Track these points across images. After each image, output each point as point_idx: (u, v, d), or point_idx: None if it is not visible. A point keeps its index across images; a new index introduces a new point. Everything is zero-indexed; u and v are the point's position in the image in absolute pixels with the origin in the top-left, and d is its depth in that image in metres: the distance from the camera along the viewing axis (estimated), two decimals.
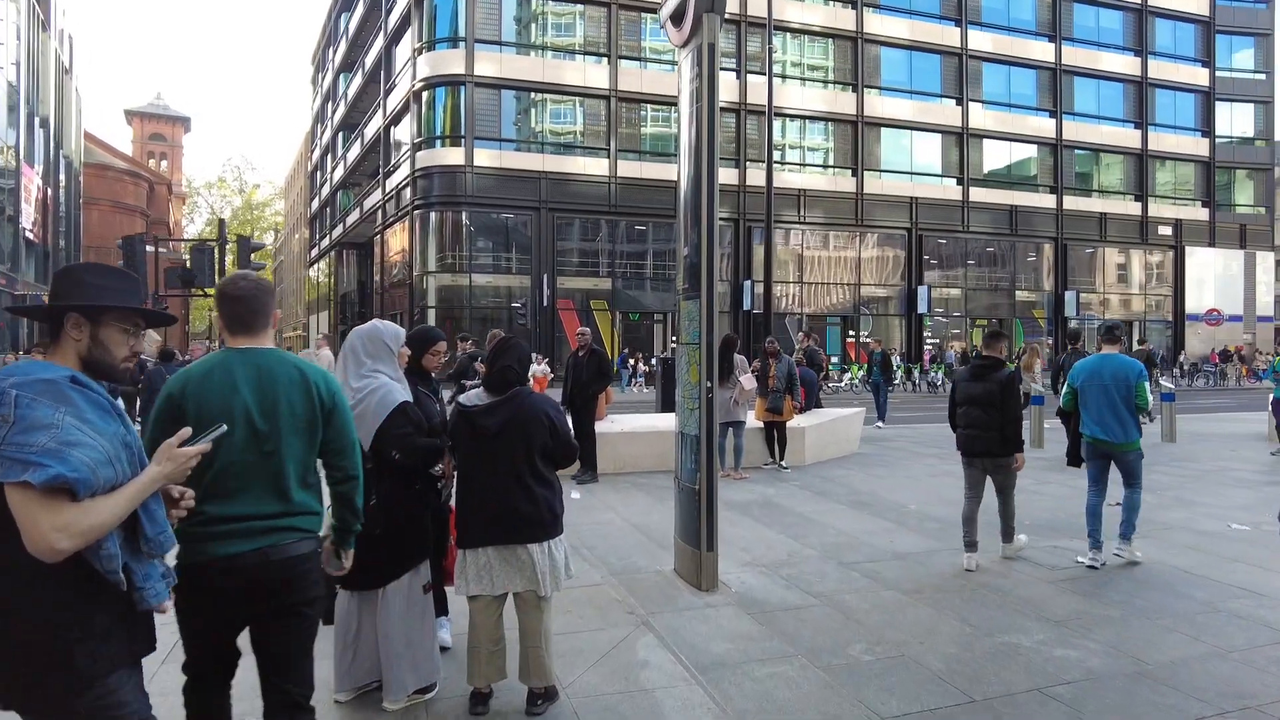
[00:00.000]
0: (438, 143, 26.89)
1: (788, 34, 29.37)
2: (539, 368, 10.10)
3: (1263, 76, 37.84)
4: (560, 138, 27.77)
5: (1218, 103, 36.73)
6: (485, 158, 26.24)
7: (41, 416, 1.48)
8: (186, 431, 1.74)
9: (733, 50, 28.27)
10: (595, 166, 27.28)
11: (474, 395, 3.15)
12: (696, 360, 4.65)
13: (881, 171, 30.78)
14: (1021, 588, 4.55)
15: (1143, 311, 36.33)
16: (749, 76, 28.25)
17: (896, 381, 24.25)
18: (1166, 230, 35.92)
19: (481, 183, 25.98)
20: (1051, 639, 3.73)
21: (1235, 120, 37.53)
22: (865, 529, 6.03)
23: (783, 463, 8.97)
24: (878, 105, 30.61)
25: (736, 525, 6.06)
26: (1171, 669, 3.43)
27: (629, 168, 27.41)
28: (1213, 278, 37.12)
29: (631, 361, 25.51)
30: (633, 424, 9.47)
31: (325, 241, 47.30)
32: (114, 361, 1.74)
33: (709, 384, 4.52)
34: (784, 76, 29.29)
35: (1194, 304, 36.05)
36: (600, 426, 8.66)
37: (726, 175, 27.75)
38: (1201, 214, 36.75)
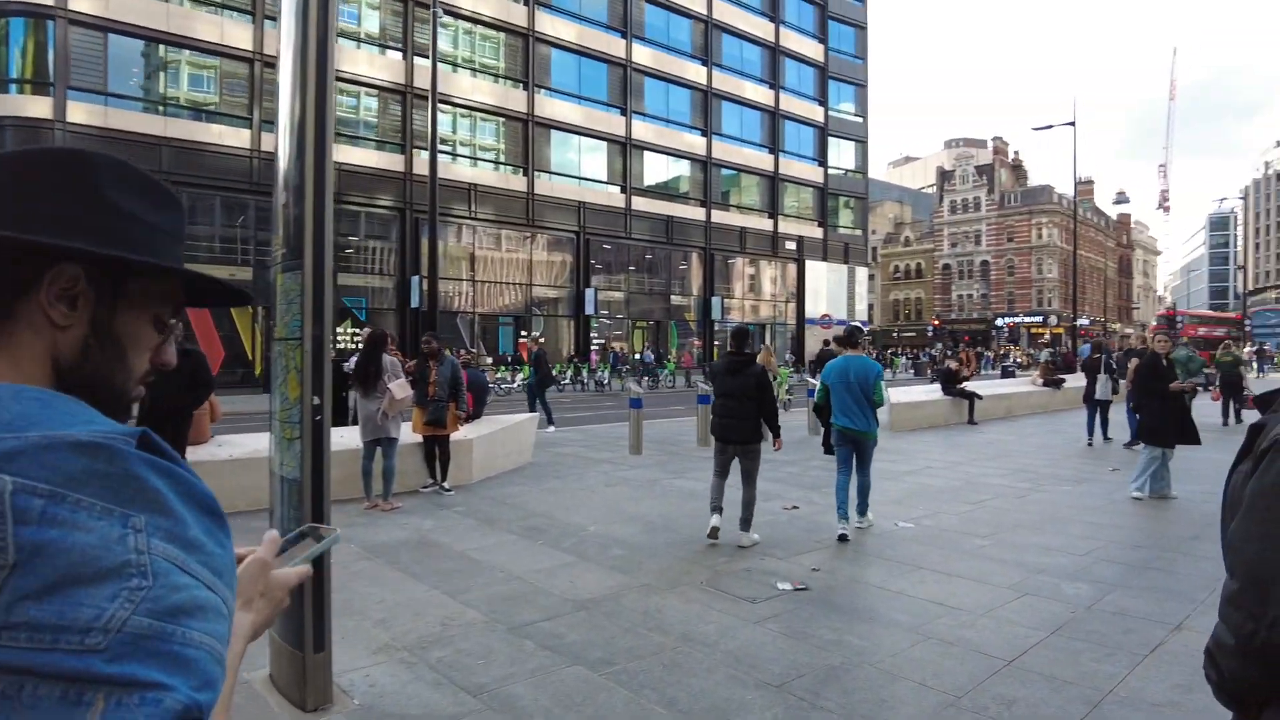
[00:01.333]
0: (13, 88, 23.87)
1: (460, 22, 31.57)
2: None
3: (860, 120, 50.01)
4: (190, 100, 26.47)
5: (830, 138, 47.70)
6: (83, 114, 23.99)
7: (96, 542, 0.59)
8: (274, 537, 0.96)
9: (400, 33, 29.60)
10: (234, 137, 26.57)
11: None
12: (296, 365, 3.56)
13: (551, 173, 34.54)
14: (728, 636, 4.42)
15: (772, 316, 45.77)
16: (415, 59, 29.80)
17: (566, 382, 28.13)
18: (791, 245, 45.63)
19: (77, 144, 23.71)
20: (781, 714, 3.54)
21: (842, 155, 49.06)
22: (541, 567, 5.80)
23: (445, 484, 8.63)
24: (548, 106, 34.28)
25: (378, 582, 5.45)
26: None
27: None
28: (825, 288, 47.98)
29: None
30: (252, 445, 8.14)
31: None
32: (123, 382, 0.83)
33: (317, 400, 3.56)
34: (455, 64, 31.43)
35: (811, 309, 46.33)
36: (201, 452, 7.75)
37: (391, 160, 29.08)
38: (817, 232, 47.32)
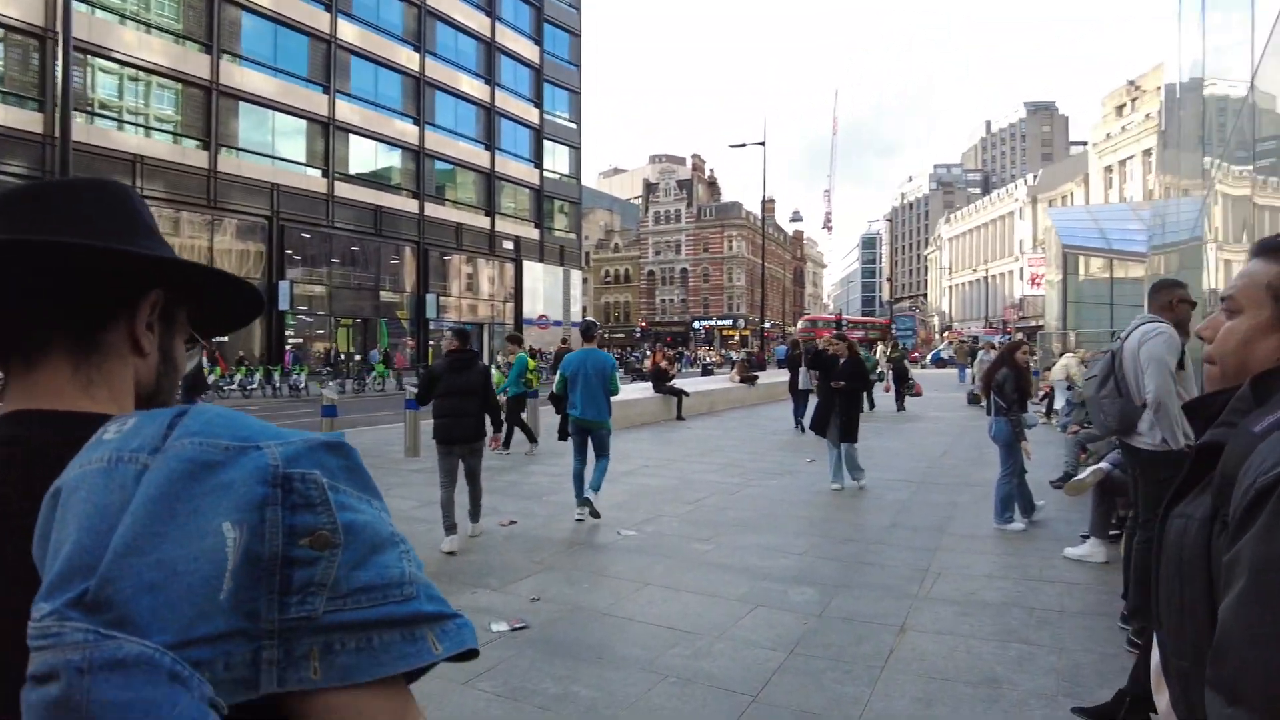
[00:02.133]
0: None
1: None
2: None
3: (574, 126, 50.71)
4: None
5: (545, 141, 47.73)
6: None
7: (372, 518, 0.71)
8: None
9: None
10: None
11: None
12: None
13: (239, 150, 30.42)
14: (431, 708, 3.49)
15: (490, 316, 44.73)
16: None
17: (254, 386, 24.78)
18: (509, 244, 44.95)
19: None
20: None
21: (557, 159, 49.35)
22: None
23: None
24: (237, 75, 30.14)
25: None
26: None
27: None
28: (542, 288, 47.93)
29: None
30: None
31: None
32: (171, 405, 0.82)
33: None
34: (122, 17, 26.43)
35: (529, 310, 46.00)
36: None
37: (25, 119, 23.64)
38: (534, 233, 47.11)
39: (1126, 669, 3.81)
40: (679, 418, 16.05)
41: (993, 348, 18.00)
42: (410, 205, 38.33)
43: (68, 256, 0.74)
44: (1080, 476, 5.72)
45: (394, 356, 34.94)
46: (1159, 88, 52.20)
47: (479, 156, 42.75)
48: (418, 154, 38.59)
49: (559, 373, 7.65)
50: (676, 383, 17.57)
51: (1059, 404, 15.06)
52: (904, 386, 18.84)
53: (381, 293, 37.85)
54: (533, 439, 11.53)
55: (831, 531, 6.81)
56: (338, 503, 0.67)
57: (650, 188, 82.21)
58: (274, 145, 31.93)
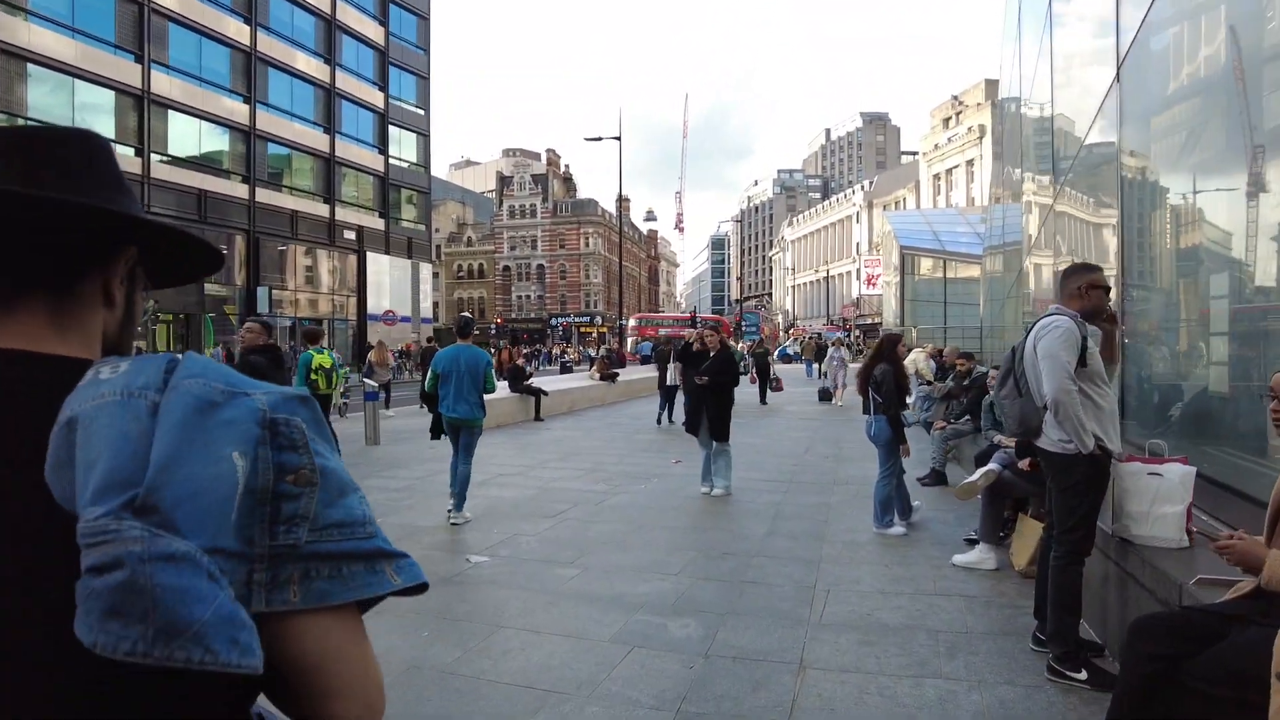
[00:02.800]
0: None
1: None
2: None
3: (423, 112, 48.31)
4: None
5: (390, 126, 45.12)
6: None
7: (338, 465, 0.79)
8: None
9: None
10: None
11: None
12: None
13: (28, 120, 26.53)
14: None
15: (330, 311, 41.75)
16: None
17: None
18: (351, 235, 42.12)
19: None
20: None
21: (404, 145, 46.81)
22: None
23: None
24: (23, 32, 26.23)
25: None
26: None
27: None
28: (389, 282, 45.31)
29: None
30: None
31: None
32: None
33: None
34: None
35: (374, 305, 43.33)
36: None
37: None
38: (379, 224, 44.45)
39: (1056, 704, 3.34)
40: (537, 418, 15.12)
41: (843, 344, 18.14)
42: (241, 190, 35.04)
43: (60, 212, 0.77)
44: (971, 479, 5.35)
45: (220, 355, 31.72)
46: (980, 104, 56.35)
47: (318, 140, 39.76)
48: (248, 135, 35.30)
49: (430, 369, 7.24)
50: (535, 381, 16.62)
51: (911, 399, 15.34)
52: (768, 381, 19.48)
53: (207, 286, 34.33)
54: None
55: (708, 544, 6.16)
56: (313, 448, 0.75)
57: (504, 181, 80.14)
58: (75, 118, 28.06)
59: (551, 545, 6.12)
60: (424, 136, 48.28)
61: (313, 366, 9.87)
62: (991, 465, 5.31)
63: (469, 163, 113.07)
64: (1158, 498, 3.57)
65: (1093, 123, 7.24)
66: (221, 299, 35.27)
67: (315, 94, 39.73)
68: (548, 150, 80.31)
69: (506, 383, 15.33)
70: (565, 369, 29.70)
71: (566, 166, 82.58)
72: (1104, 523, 3.85)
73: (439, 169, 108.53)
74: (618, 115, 61.11)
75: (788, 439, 12.75)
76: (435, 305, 77.45)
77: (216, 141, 34.46)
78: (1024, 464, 5.20)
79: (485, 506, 7.54)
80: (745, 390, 18.76)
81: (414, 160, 47.75)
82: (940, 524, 6.78)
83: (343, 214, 41.45)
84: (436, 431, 7.55)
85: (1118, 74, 6.03)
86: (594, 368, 20.69)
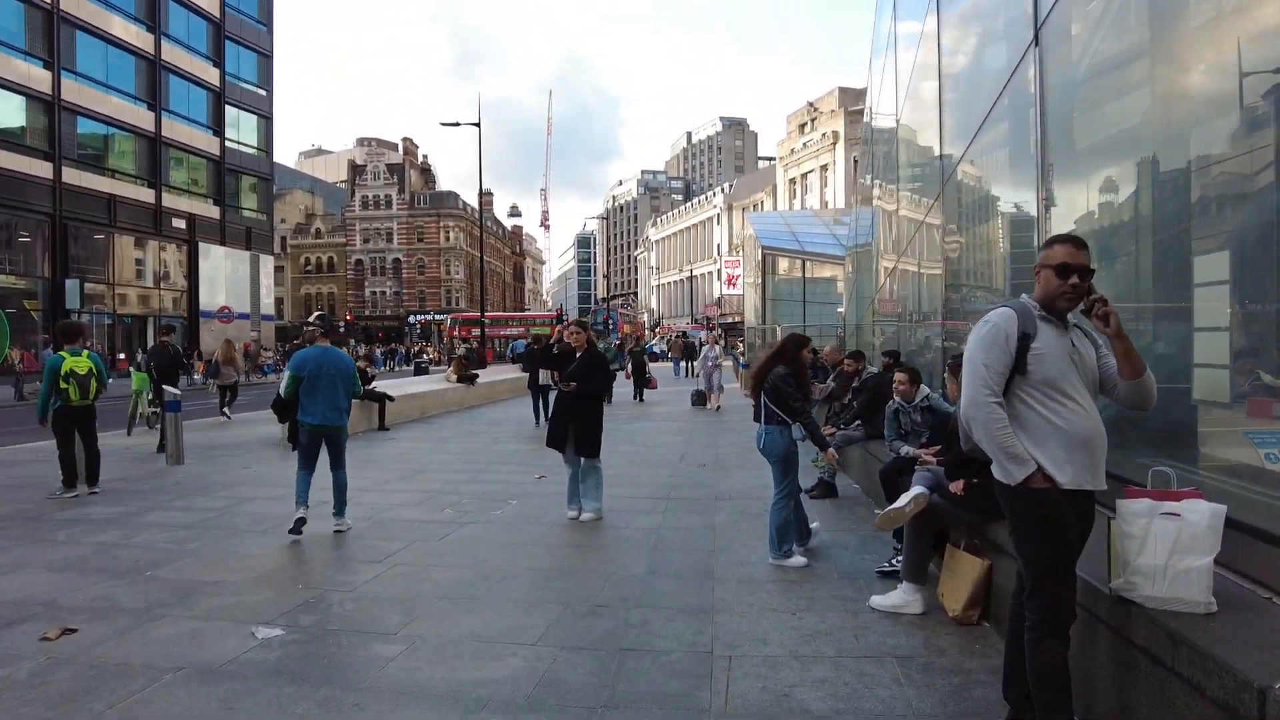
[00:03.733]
0: None
1: None
2: None
3: (265, 94, 44.26)
4: None
5: (228, 106, 40.98)
6: None
7: None
8: None
9: None
10: None
11: None
12: None
13: None
14: None
15: (158, 307, 37.35)
16: None
17: None
18: (181, 224, 37.84)
19: None
20: None
21: (243, 128, 42.68)
22: None
23: None
24: None
25: None
26: None
27: None
28: (224, 276, 41.10)
29: None
30: None
31: None
32: None
33: None
34: None
35: (207, 301, 39.13)
36: None
37: None
38: (214, 212, 40.25)
39: None
40: (381, 427, 13.36)
41: (717, 342, 17.23)
42: (43, 170, 30.54)
43: None
44: (898, 505, 4.38)
45: (22, 357, 27.32)
46: (834, 111, 58.12)
47: (139, 117, 35.42)
48: (51, 106, 30.78)
49: (289, 373, 6.47)
50: (380, 385, 14.80)
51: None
52: (643, 379, 19.29)
53: (1, 276, 29.73)
54: (70, 477, 8.01)
55: (576, 593, 4.90)
56: None
57: (357, 170, 75.34)
58: None
59: (372, 607, 4.66)
60: (266, 119, 44.29)
61: (62, 372, 7.72)
62: (918, 488, 4.36)
63: (320, 151, 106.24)
64: (1178, 547, 2.64)
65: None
66: (21, 293, 30.63)
67: (137, 65, 35.38)
68: (404, 139, 76.04)
69: None
70: (421, 370, 27.42)
71: (425, 157, 78.64)
72: (1089, 574, 2.92)
73: (287, 157, 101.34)
74: (477, 94, 58.58)
75: (661, 445, 11.70)
76: (280, 301, 72.03)
77: (9, 112, 29.80)
78: (956, 486, 4.29)
79: (295, 550, 5.96)
80: (621, 387, 18.39)
81: (255, 144, 43.71)
82: (842, 549, 5.85)
83: (172, 200, 37.21)
84: (294, 440, 6.91)
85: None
86: (450, 368, 18.94)
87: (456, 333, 53.39)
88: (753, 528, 6.38)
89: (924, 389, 5.81)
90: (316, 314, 6.77)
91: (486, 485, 8.49)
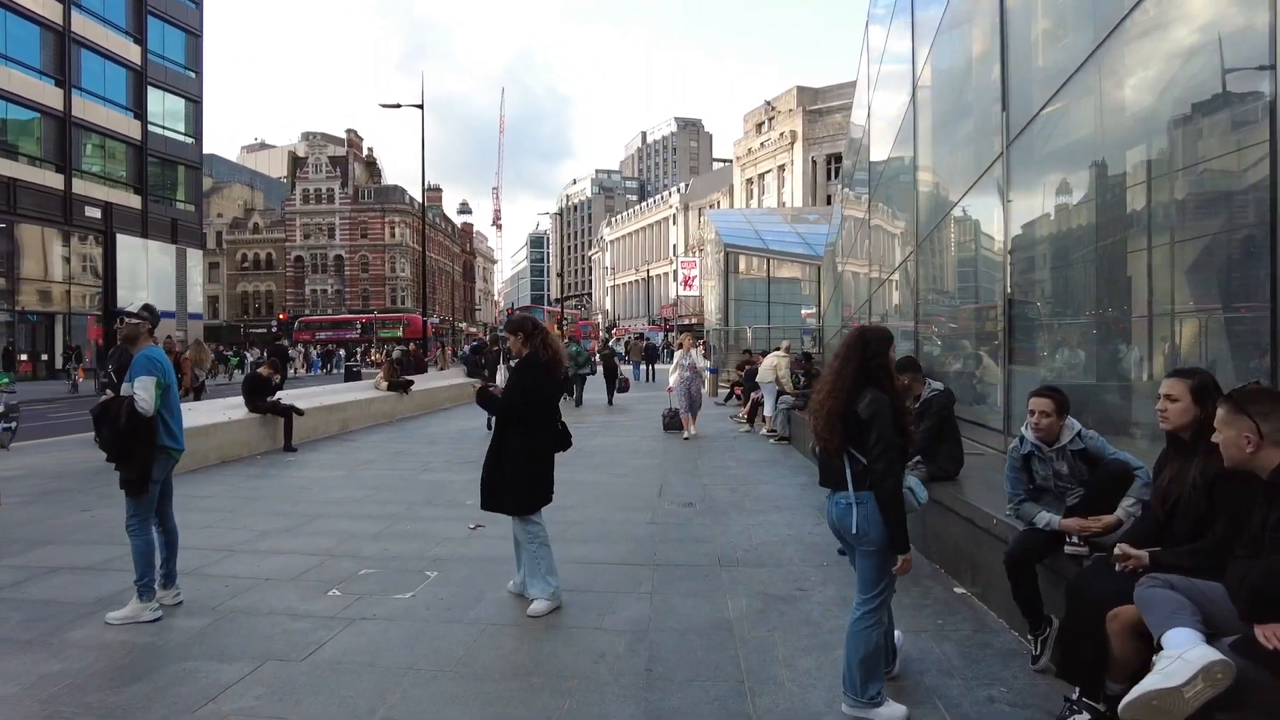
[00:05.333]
0: None
1: None
2: None
3: (194, 75, 40.72)
4: None
5: (150, 87, 37.43)
6: None
7: None
8: None
9: None
10: None
11: None
12: None
13: None
14: None
15: (68, 306, 33.75)
16: None
17: None
18: (96, 213, 34.27)
19: None
20: None
21: (169, 112, 39.11)
22: None
23: None
24: None
25: None
26: None
27: None
28: (147, 271, 37.55)
29: None
30: None
31: None
32: None
33: None
34: None
35: (127, 297, 35.48)
36: None
37: None
38: (134, 201, 36.67)
39: None
40: (287, 448, 10.84)
41: (695, 346, 14.35)
42: None
43: None
44: (1169, 684, 2.19)
45: None
46: (791, 110, 56.63)
47: (45, 94, 31.81)
48: None
49: (154, 378, 4.48)
50: (301, 393, 12.29)
51: (768, 410, 12.60)
52: (614, 382, 18.55)
53: None
54: None
55: None
56: None
57: (299, 162, 71.25)
58: None
59: None
60: (194, 103, 40.75)
61: None
62: (1201, 645, 2.19)
63: (264, 146, 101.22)
64: None
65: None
66: None
67: (43, 36, 31.76)
68: (348, 131, 71.99)
69: (242, 398, 10.94)
70: (352, 375, 24.30)
71: (370, 150, 74.83)
72: None
73: (229, 151, 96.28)
74: (420, 74, 55.32)
75: (634, 472, 9.45)
76: (215, 300, 67.79)
77: None
78: (1271, 634, 2.15)
79: (92, 662, 3.56)
80: (593, 389, 17.27)
81: (182, 130, 40.14)
82: (943, 673, 3.67)
83: (85, 187, 33.62)
84: (145, 479, 4.49)
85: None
86: (380, 374, 16.35)
87: (309, 336, 49.89)
88: (789, 625, 4.21)
89: (1073, 423, 3.66)
90: (142, 304, 4.40)
91: (400, 542, 6.13)
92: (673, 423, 12.98)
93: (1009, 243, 6.21)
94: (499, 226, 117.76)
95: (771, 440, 11.86)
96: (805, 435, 10.58)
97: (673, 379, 12.75)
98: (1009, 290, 6.26)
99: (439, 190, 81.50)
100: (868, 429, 3.10)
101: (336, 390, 15.52)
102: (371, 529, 6.51)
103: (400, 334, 49.27)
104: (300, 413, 11.14)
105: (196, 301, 42.51)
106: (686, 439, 12.13)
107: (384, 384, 15.09)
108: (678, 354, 13.09)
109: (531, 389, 4.60)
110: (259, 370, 11.25)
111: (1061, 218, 5.67)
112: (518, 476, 4.57)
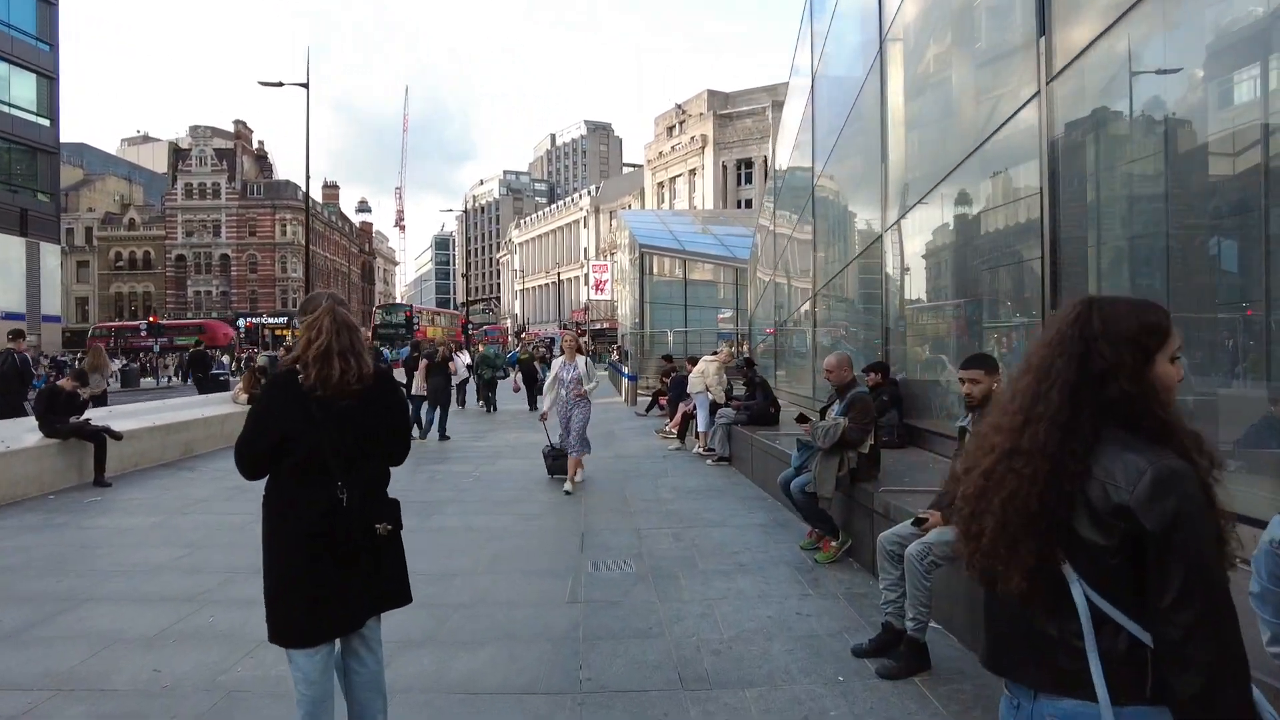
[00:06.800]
0: None
1: None
2: None
3: (48, 49, 36.09)
4: None
5: None
6: None
7: None
8: None
9: None
10: None
11: None
12: None
13: None
14: None
15: None
16: None
17: None
18: None
19: None
20: None
21: (15, 87, 34.45)
22: None
23: None
24: None
25: None
26: None
27: None
28: None
29: None
30: None
31: None
32: None
33: None
34: None
35: None
36: None
37: None
38: None
39: None
40: (99, 482, 8.33)
41: (581, 350, 12.15)
42: None
43: None
44: None
45: None
46: (702, 114, 55.69)
47: None
48: None
49: None
50: (100, 415, 9.71)
51: (702, 424, 10.83)
52: (535, 388, 17.65)
53: None
54: None
55: None
56: None
57: (181, 154, 65.47)
58: None
59: None
60: (48, 79, 36.12)
61: None
62: None
63: (146, 138, 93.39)
64: None
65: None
66: None
67: None
68: (236, 122, 66.47)
69: (37, 421, 8.35)
70: (212, 384, 20.50)
71: (261, 143, 69.57)
72: None
73: (108, 143, 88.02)
74: (305, 49, 51.16)
75: (548, 509, 7.44)
76: (84, 301, 61.54)
77: None
78: None
79: None
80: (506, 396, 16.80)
81: (32, 109, 35.48)
82: None
83: None
84: None
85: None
86: (239, 386, 13.73)
87: (107, 344, 44.79)
88: None
89: None
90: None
91: (186, 650, 3.95)
92: (557, 465, 8.70)
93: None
94: (402, 227, 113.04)
95: (709, 461, 10.08)
96: (751, 455, 8.77)
97: (547, 400, 8.64)
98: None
99: (336, 187, 76.75)
100: (1158, 549, 1.27)
101: (187, 405, 12.82)
102: (153, 624, 4.30)
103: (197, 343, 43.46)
104: (117, 436, 8.60)
105: (54, 303, 37.78)
106: (569, 492, 8.10)
107: (244, 396, 12.50)
108: (556, 363, 8.90)
109: (259, 427, 2.53)
110: (58, 383, 8.64)
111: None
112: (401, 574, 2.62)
